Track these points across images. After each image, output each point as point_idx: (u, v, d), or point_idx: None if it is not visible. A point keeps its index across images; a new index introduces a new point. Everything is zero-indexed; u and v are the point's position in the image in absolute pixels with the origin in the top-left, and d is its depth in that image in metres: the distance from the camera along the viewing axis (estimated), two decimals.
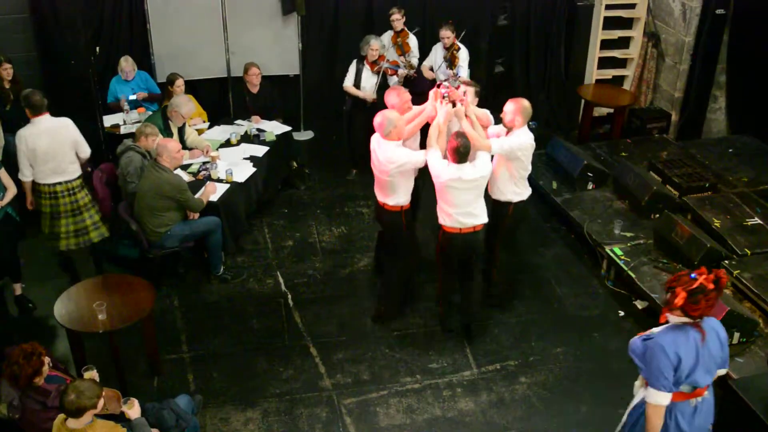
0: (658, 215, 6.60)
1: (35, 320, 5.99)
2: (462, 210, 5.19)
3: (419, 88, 7.29)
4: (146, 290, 5.23)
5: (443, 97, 5.38)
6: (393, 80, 7.65)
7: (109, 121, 7.51)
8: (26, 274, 6.25)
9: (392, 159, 5.29)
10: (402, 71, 7.65)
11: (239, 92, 7.97)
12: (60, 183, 5.94)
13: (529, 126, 5.52)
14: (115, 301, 5.07)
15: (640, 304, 6.11)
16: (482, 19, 8.83)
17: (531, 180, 5.78)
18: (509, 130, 5.45)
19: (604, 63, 9.14)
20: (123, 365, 5.21)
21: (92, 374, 4.25)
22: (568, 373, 5.49)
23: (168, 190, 5.87)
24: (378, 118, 5.33)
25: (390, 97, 5.71)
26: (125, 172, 6.13)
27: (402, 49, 7.81)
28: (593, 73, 9.11)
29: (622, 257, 6.21)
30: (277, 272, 6.57)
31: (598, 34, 8.89)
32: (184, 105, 6.80)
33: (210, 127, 7.71)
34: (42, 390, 4.13)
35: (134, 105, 7.65)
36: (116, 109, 7.68)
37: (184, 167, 6.64)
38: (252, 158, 7.08)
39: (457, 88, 5.57)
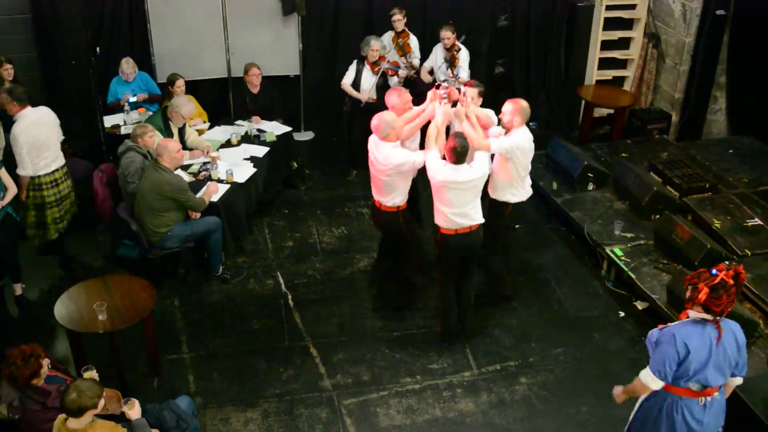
0: (658, 216, 6.60)
1: (35, 320, 5.98)
2: (457, 210, 5.17)
3: (419, 88, 7.29)
4: (146, 290, 5.23)
5: (442, 98, 5.38)
6: (393, 81, 7.65)
7: (109, 121, 7.53)
8: (26, 274, 6.25)
9: (390, 159, 5.29)
10: (402, 72, 7.65)
11: (239, 93, 7.97)
12: (59, 169, 6.13)
13: (529, 127, 5.53)
14: (115, 301, 5.08)
15: (640, 305, 6.11)
16: (482, 20, 8.83)
17: (531, 181, 5.79)
18: (508, 130, 5.46)
19: (604, 64, 9.14)
20: (123, 366, 5.22)
21: (92, 374, 4.25)
22: (569, 374, 5.49)
23: (168, 190, 5.87)
24: (375, 121, 5.32)
25: (391, 97, 5.71)
26: (126, 173, 6.13)
27: (403, 49, 7.81)
28: (593, 73, 9.11)
29: (623, 258, 6.22)
30: (278, 273, 6.58)
31: (598, 34, 8.90)
32: (185, 105, 6.81)
33: (210, 127, 7.71)
34: (42, 391, 4.13)
35: (135, 105, 7.65)
36: (117, 109, 7.69)
37: (185, 167, 6.64)
38: (252, 159, 7.09)
39: (459, 90, 5.56)
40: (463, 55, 7.63)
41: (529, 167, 5.61)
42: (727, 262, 3.76)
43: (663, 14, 8.70)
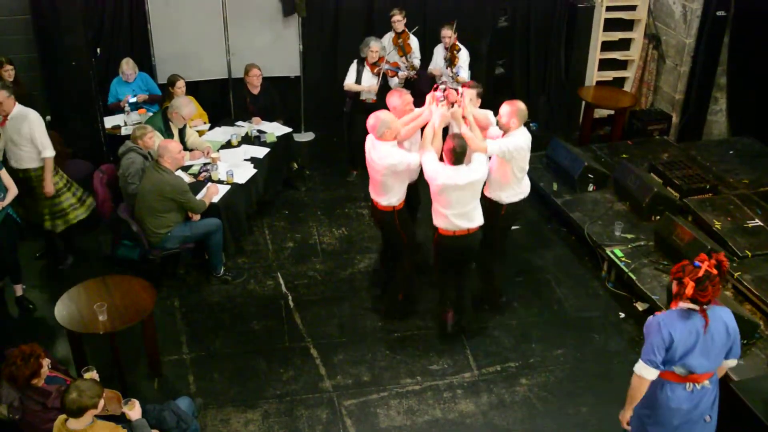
0: (658, 217, 6.60)
1: (36, 321, 5.99)
2: (457, 211, 5.17)
3: (421, 89, 7.29)
4: (147, 291, 5.23)
5: (439, 100, 5.39)
6: (394, 82, 7.65)
7: (110, 122, 7.54)
8: (27, 275, 6.25)
9: (385, 159, 5.28)
10: (403, 73, 7.65)
11: (240, 93, 7.96)
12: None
13: (529, 128, 5.53)
14: (115, 302, 5.08)
15: (640, 306, 6.11)
16: (483, 21, 8.84)
17: (532, 182, 5.79)
18: (505, 132, 5.46)
19: (604, 65, 9.14)
20: (123, 366, 5.22)
21: (92, 375, 4.26)
22: (569, 375, 5.49)
23: (169, 191, 5.87)
24: (371, 120, 5.33)
25: (392, 98, 5.72)
26: (126, 174, 6.13)
27: (403, 50, 7.81)
28: (594, 74, 9.11)
29: (623, 259, 6.22)
30: (278, 273, 6.58)
31: (598, 35, 8.90)
32: (185, 106, 6.81)
33: (211, 128, 7.71)
34: (42, 391, 4.14)
35: (135, 106, 7.65)
36: (117, 110, 7.69)
37: (185, 168, 6.64)
38: (252, 159, 7.09)
39: (457, 92, 5.55)
40: (463, 55, 7.64)
41: (526, 168, 5.61)
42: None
43: (663, 15, 8.70)
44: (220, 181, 6.63)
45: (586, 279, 6.54)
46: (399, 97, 5.69)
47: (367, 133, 5.49)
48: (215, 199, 6.34)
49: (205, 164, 6.84)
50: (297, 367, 5.54)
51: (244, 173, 6.83)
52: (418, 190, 6.03)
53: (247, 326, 5.95)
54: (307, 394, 5.30)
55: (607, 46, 9.01)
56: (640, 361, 3.82)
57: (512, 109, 5.39)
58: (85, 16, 7.08)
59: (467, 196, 5.15)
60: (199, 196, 6.22)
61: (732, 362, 3.94)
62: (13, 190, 5.74)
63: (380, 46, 7.51)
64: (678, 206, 6.73)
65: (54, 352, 5.50)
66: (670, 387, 3.88)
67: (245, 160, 7.07)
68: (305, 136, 9.03)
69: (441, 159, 5.20)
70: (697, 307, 3.72)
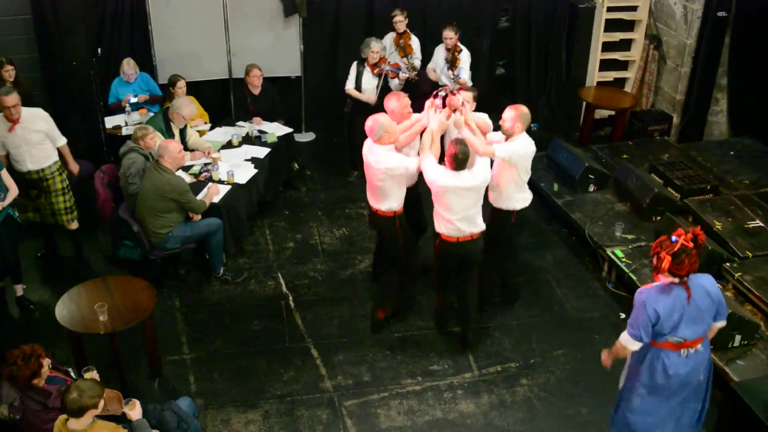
0: (659, 218, 6.60)
1: (36, 321, 5.99)
2: (460, 216, 5.13)
3: (421, 91, 7.29)
4: (147, 291, 5.23)
5: (438, 107, 5.38)
6: (394, 83, 7.65)
7: (110, 122, 7.53)
8: (27, 275, 6.25)
9: (383, 163, 5.26)
10: (403, 74, 7.64)
11: (241, 94, 7.97)
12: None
13: (530, 128, 5.53)
14: (116, 302, 5.08)
15: None
16: (483, 22, 8.84)
17: (532, 182, 5.78)
18: (509, 136, 5.45)
19: (605, 65, 9.14)
20: (124, 366, 5.22)
21: (92, 375, 4.26)
22: (569, 375, 5.49)
23: (169, 191, 5.88)
24: (369, 122, 5.30)
25: (390, 101, 5.69)
26: (127, 174, 6.13)
27: (405, 50, 7.81)
28: (594, 75, 9.11)
29: (623, 260, 6.22)
30: (278, 273, 6.58)
31: (599, 36, 8.89)
32: (186, 107, 6.81)
33: (211, 128, 7.71)
34: (43, 391, 4.14)
35: (136, 106, 7.65)
36: (118, 110, 7.69)
37: (186, 168, 6.64)
38: (253, 160, 7.09)
39: (454, 94, 5.55)
40: (464, 56, 7.61)
41: (530, 172, 5.61)
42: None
43: (664, 16, 8.70)
44: (220, 181, 6.63)
45: (587, 280, 6.54)
46: (397, 100, 5.66)
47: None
48: (216, 200, 6.34)
49: (205, 164, 6.84)
50: (297, 368, 5.54)
51: (245, 173, 6.84)
52: (420, 192, 5.98)
53: (248, 326, 5.95)
54: (307, 395, 5.30)
55: (607, 46, 9.00)
56: (625, 332, 3.97)
57: (516, 114, 5.37)
58: (86, 16, 7.07)
59: (470, 200, 5.11)
60: (199, 197, 6.22)
61: (721, 323, 4.07)
62: (13, 191, 5.74)
63: (381, 47, 7.50)
64: (678, 207, 6.73)
65: (54, 352, 5.47)
66: (666, 356, 4.00)
67: (246, 160, 7.07)
68: (306, 137, 9.03)
69: (441, 162, 5.19)
70: (677, 280, 3.84)
